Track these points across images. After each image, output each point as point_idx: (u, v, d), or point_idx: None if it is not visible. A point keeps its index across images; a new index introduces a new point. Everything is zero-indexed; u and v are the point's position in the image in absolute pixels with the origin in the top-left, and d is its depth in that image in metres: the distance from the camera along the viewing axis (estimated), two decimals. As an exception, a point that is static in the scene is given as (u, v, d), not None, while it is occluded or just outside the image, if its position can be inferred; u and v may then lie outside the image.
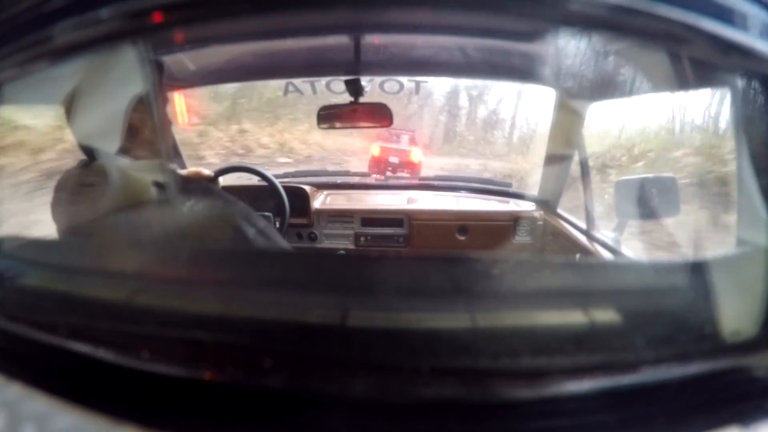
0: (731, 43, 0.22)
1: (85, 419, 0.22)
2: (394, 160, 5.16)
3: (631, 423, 0.21)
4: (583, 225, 0.98)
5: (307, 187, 1.27)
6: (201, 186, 0.66)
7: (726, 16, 0.22)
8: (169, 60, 0.81)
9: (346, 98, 0.99)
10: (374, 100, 1.01)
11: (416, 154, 5.58)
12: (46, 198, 0.50)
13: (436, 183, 1.43)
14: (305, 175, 1.51)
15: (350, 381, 0.22)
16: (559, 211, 1.12)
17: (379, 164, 5.03)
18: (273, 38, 0.74)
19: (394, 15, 0.43)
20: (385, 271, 0.29)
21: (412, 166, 5.12)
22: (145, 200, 0.46)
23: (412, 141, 5.84)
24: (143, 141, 0.49)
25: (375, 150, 5.58)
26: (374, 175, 1.60)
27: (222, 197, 0.52)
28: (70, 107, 0.45)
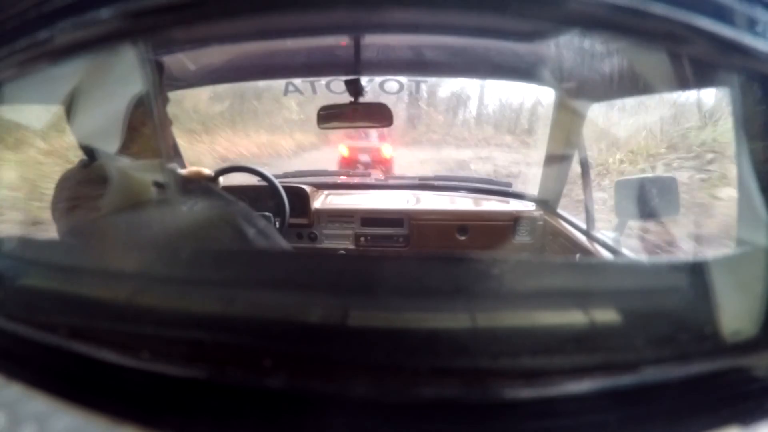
0: (731, 43, 0.22)
1: (85, 419, 0.22)
2: (364, 158, 5.01)
3: (631, 423, 0.21)
4: (583, 225, 0.98)
5: (307, 187, 1.27)
6: (201, 186, 0.66)
7: (726, 16, 0.22)
8: (169, 60, 0.81)
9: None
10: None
11: (387, 150, 5.41)
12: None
13: (436, 183, 1.43)
14: (305, 175, 1.51)
15: (350, 381, 0.22)
16: (559, 211, 1.12)
17: (349, 165, 4.85)
18: (273, 38, 0.74)
19: (394, 15, 0.43)
20: (385, 271, 0.29)
21: (384, 163, 4.98)
22: (145, 200, 0.46)
23: (382, 137, 5.63)
24: (143, 141, 0.49)
25: (343, 150, 5.38)
26: (374, 175, 1.60)
27: (222, 197, 0.52)
28: (70, 107, 0.45)
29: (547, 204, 1.15)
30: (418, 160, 5.82)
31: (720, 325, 0.24)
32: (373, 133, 5.60)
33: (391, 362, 0.23)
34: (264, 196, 1.19)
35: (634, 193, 0.83)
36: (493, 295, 0.26)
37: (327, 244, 1.28)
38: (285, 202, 1.17)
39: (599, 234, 0.91)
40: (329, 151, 6.08)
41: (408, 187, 1.42)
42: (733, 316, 0.25)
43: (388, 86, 1.05)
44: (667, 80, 0.35)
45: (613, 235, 0.89)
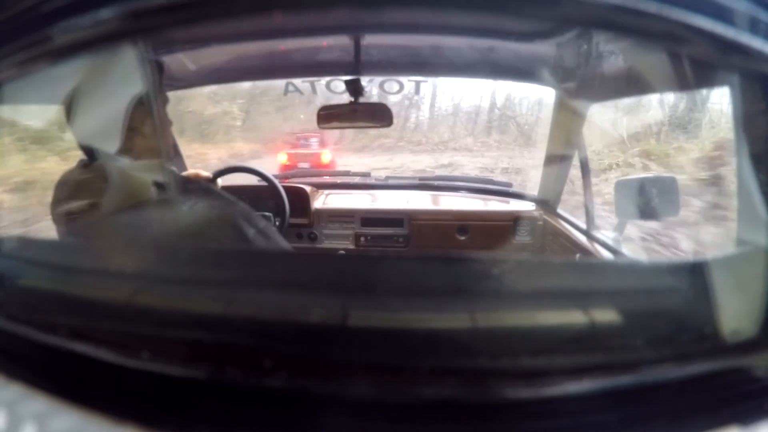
0: (731, 43, 0.22)
1: (85, 419, 0.22)
2: (303, 165, 5.06)
3: (631, 423, 0.21)
4: (583, 225, 0.98)
5: (307, 187, 1.27)
6: (201, 186, 0.66)
7: (726, 16, 0.22)
8: (169, 60, 0.81)
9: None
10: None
11: (325, 157, 5.51)
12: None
13: (436, 183, 1.43)
14: (305, 175, 1.51)
15: (350, 381, 0.22)
16: (559, 211, 1.12)
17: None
18: (273, 38, 0.74)
19: (394, 15, 0.43)
20: (385, 271, 0.29)
21: (323, 167, 5.01)
22: (145, 200, 0.46)
23: (322, 143, 5.74)
24: (143, 141, 0.49)
25: (282, 158, 5.44)
26: (374, 177, 1.60)
27: (222, 197, 0.52)
28: (70, 107, 0.45)
29: (547, 204, 1.15)
30: (368, 168, 5.29)
31: (720, 325, 0.24)
32: (314, 140, 5.62)
33: (391, 362, 0.23)
34: (264, 196, 1.19)
35: (634, 193, 0.83)
36: (493, 295, 0.26)
37: (327, 244, 1.28)
38: (285, 202, 1.17)
39: (599, 234, 0.91)
40: (269, 161, 5.59)
41: (408, 187, 1.42)
42: (733, 316, 0.25)
43: (387, 86, 1.05)
44: (667, 80, 0.35)
45: (613, 235, 0.89)
